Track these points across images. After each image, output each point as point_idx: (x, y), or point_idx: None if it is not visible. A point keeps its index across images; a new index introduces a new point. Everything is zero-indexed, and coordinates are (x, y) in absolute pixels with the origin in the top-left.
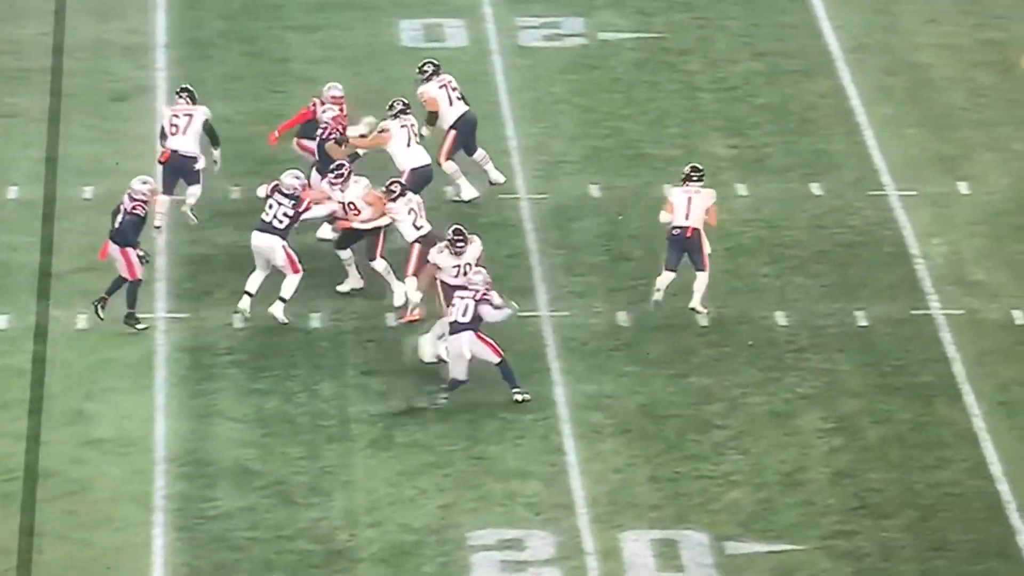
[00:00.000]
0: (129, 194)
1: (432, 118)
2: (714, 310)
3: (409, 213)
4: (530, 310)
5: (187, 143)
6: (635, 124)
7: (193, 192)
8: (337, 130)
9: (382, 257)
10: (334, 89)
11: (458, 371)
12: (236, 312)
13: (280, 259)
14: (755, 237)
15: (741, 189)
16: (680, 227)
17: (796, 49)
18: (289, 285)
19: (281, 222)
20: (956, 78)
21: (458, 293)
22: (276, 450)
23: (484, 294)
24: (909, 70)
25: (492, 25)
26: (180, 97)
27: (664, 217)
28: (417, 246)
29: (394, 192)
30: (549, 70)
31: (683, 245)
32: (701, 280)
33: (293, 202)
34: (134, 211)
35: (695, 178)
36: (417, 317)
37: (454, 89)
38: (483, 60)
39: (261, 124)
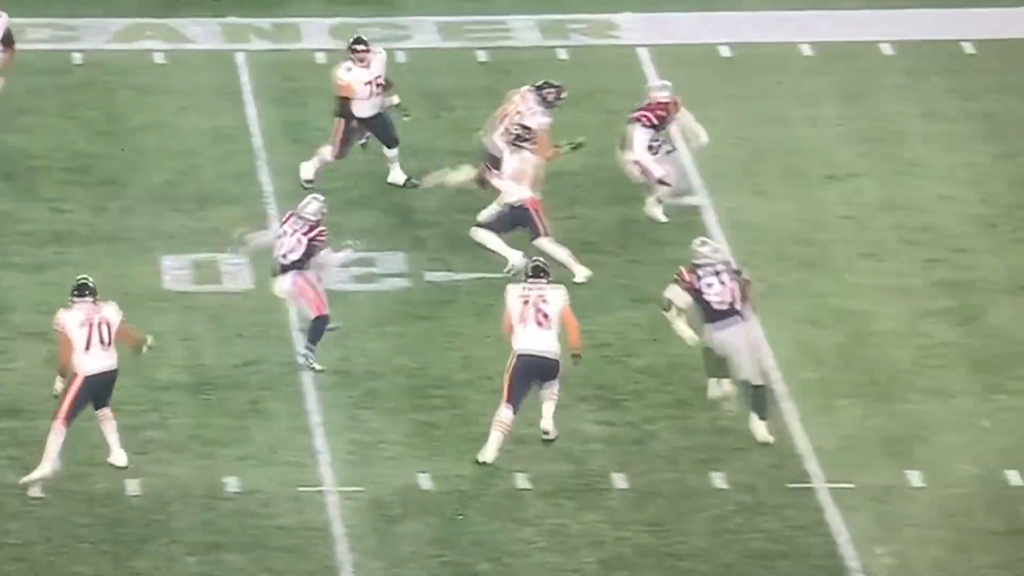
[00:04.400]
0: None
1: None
2: None
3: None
4: None
5: None
6: (476, 392)
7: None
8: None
9: None
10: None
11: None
12: None
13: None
14: (637, 545)
15: (618, 480)
16: None
17: None
18: None
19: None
20: (902, 331)
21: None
22: None
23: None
24: (840, 321)
25: None
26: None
27: None
28: None
29: None
30: (361, 321)
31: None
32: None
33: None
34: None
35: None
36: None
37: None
38: (274, 308)
39: None
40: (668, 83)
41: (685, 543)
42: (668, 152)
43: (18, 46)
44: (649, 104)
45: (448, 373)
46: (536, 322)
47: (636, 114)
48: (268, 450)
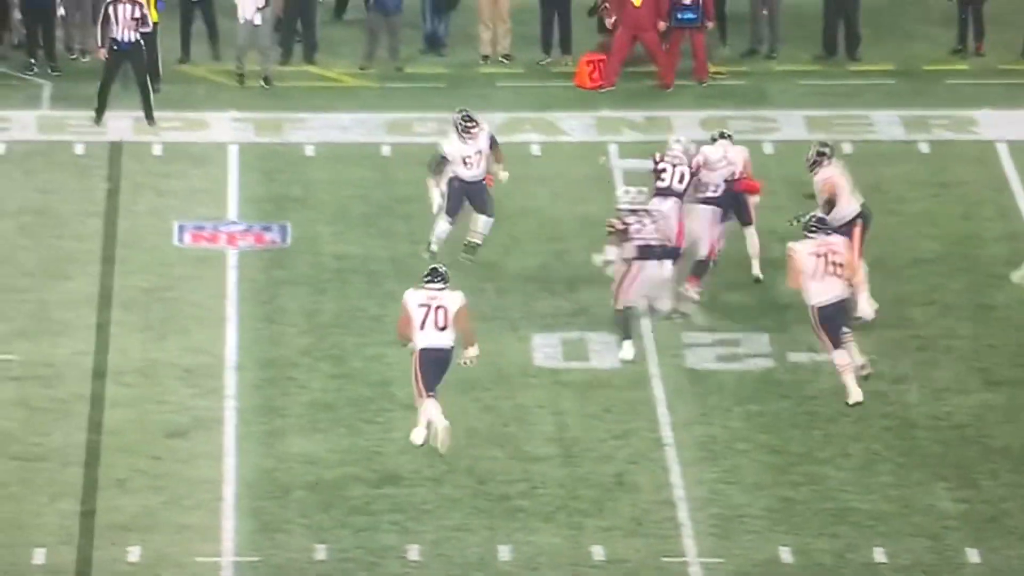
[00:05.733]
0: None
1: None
2: None
3: None
4: None
5: None
6: (836, 470)
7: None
8: None
9: None
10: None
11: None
12: None
13: None
14: None
15: (973, 555)
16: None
17: None
18: None
19: None
20: None
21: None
22: None
23: None
24: None
25: (651, 343)
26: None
27: None
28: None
29: None
30: (725, 399)
31: None
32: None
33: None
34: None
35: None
36: None
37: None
38: (641, 385)
39: (354, 465)
40: None
41: None
42: None
43: (387, 138)
44: None
45: (808, 450)
46: (834, 274)
47: None
48: (633, 521)
